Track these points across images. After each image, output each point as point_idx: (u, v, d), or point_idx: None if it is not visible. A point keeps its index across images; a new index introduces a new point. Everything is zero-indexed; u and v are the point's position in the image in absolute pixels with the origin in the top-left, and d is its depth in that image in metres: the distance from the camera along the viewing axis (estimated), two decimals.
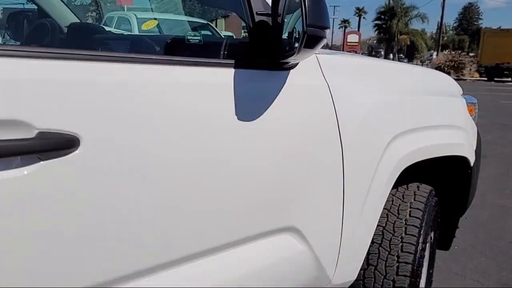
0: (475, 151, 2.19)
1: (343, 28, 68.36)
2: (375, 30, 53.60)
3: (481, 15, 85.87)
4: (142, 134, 0.98)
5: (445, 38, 61.80)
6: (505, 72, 27.73)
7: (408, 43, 46.50)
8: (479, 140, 2.31)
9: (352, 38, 31.67)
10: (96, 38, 1.75)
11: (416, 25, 60.35)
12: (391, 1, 49.20)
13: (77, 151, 0.88)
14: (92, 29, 2.25)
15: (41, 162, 0.84)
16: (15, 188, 0.81)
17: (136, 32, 4.99)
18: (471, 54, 37.80)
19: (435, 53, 39.27)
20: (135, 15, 5.80)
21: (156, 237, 1.04)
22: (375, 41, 56.66)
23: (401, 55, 46.25)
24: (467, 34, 74.18)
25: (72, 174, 0.88)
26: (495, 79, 27.92)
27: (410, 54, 47.46)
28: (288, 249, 1.39)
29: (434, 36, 57.34)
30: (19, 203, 0.82)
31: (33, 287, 0.86)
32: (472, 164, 2.12)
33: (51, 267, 0.89)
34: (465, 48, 55.42)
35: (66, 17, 2.26)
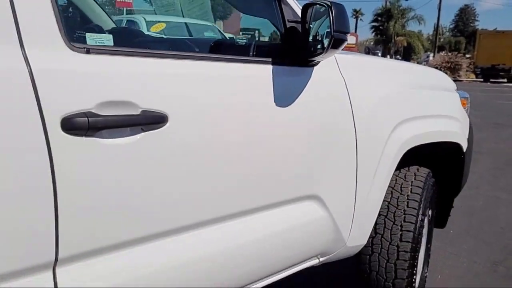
0: (468, 139, 2.50)
1: None
2: (372, 32, 54.05)
3: (477, 17, 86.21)
4: (212, 115, 1.29)
5: (442, 40, 62.20)
6: (500, 73, 28.08)
7: (405, 44, 46.90)
8: (471, 130, 2.62)
9: (349, 40, 31.73)
10: (142, 41, 2.04)
11: (413, 26, 60.85)
12: (388, 3, 49.60)
13: (166, 125, 1.18)
14: (135, 33, 2.55)
15: (143, 133, 1.14)
16: (127, 148, 1.12)
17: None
18: (467, 56, 38.12)
19: (431, 55, 39.67)
20: (144, 18, 6.09)
21: (218, 193, 1.35)
22: (372, 43, 57.01)
23: (398, 56, 46.60)
24: (463, 35, 74.56)
25: (163, 141, 1.18)
26: (491, 80, 28.27)
27: (406, 55, 47.84)
28: (311, 213, 1.69)
29: (430, 38, 57.71)
30: (130, 158, 1.12)
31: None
32: (464, 150, 2.43)
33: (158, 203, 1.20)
34: (461, 50, 55.82)
35: (106, 22, 2.55)
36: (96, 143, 1.06)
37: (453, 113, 2.39)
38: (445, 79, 2.61)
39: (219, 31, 7.89)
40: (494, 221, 3.91)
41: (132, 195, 1.15)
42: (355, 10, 56.63)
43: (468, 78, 29.10)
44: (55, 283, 1.05)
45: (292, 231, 1.65)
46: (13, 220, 0.96)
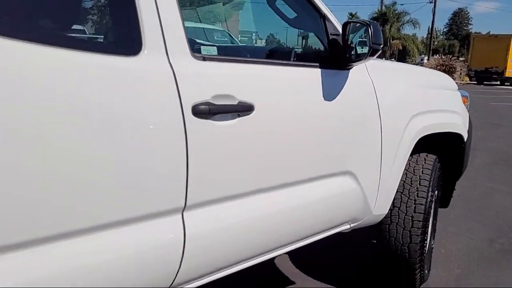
0: (468, 131, 2.95)
1: None
2: None
3: (471, 20, 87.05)
4: (283, 105, 1.74)
5: (436, 43, 62.91)
6: (494, 76, 28.67)
7: (400, 48, 47.47)
8: (470, 124, 3.08)
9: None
10: (231, 49, 2.49)
11: (407, 30, 61.55)
12: (383, 7, 50.21)
13: (254, 112, 1.62)
14: (226, 45, 3.03)
15: (238, 118, 1.58)
16: (230, 128, 1.56)
17: None
18: (461, 59, 38.77)
19: (426, 58, 40.28)
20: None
21: (286, 166, 1.80)
22: None
23: (393, 59, 47.24)
24: (457, 39, 75.39)
25: (251, 124, 1.62)
26: (485, 82, 28.87)
27: (401, 58, 48.45)
28: (347, 186, 2.13)
29: (425, 41, 58.40)
30: (232, 134, 1.57)
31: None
32: (465, 140, 2.89)
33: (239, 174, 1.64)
34: (455, 53, 56.63)
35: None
36: (212, 123, 1.50)
37: (456, 109, 2.85)
38: (448, 80, 3.07)
39: (229, 34, 8.36)
40: (489, 207, 4.38)
41: (233, 158, 1.59)
42: (351, 14, 57.18)
43: (462, 80, 29.66)
44: (183, 225, 1.49)
45: (333, 199, 2.09)
46: (163, 175, 1.40)
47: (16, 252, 1.13)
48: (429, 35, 48.06)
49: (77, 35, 1.71)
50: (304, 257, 3.06)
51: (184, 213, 1.49)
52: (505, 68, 27.56)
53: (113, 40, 1.42)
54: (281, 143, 1.76)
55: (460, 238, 3.55)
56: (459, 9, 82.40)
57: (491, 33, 35.42)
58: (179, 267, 1.49)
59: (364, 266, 3.04)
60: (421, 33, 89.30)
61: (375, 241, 2.70)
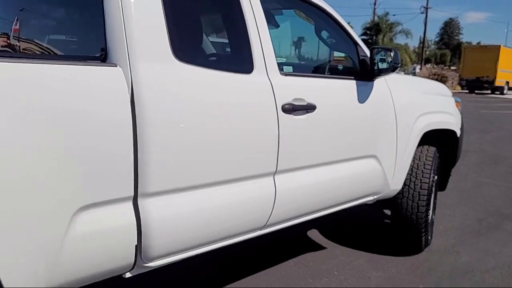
0: (460, 128, 3.75)
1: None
2: None
3: (462, 30, 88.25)
4: (336, 106, 2.53)
5: (428, 52, 63.99)
6: (484, 85, 29.63)
7: None
8: (462, 123, 3.87)
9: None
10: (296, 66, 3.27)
11: (400, 40, 62.65)
12: (376, 18, 51.35)
13: (316, 110, 2.39)
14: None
15: (307, 114, 2.36)
16: (301, 121, 2.32)
17: None
18: (452, 68, 39.80)
19: (418, 67, 41.28)
20: None
21: (337, 148, 2.58)
22: None
23: None
24: (448, 48, 76.30)
25: (315, 118, 2.39)
26: (476, 91, 29.85)
27: None
28: (372, 166, 2.91)
29: (417, 51, 59.43)
30: (304, 126, 2.34)
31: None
32: (458, 136, 3.68)
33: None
34: (447, 62, 57.70)
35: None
36: (292, 117, 2.27)
37: (450, 111, 3.64)
38: (444, 88, 3.88)
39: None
40: (479, 196, 5.18)
41: (305, 140, 2.36)
42: None
43: (454, 89, 30.62)
44: (275, 184, 2.25)
45: (364, 174, 2.87)
46: (265, 149, 2.17)
47: (187, 192, 1.90)
48: (421, 45, 49.27)
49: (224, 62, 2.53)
50: (331, 229, 3.84)
51: (275, 176, 2.26)
52: (495, 77, 28.56)
53: (239, 65, 2.20)
54: (333, 132, 2.55)
55: (455, 219, 4.33)
56: (450, 19, 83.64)
57: (481, 43, 36.50)
58: (271, 212, 2.26)
59: (378, 232, 3.82)
60: (413, 42, 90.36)
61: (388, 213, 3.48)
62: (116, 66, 1.66)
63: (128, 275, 1.85)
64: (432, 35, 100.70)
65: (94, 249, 1.63)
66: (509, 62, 29.54)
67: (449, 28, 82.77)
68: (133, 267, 1.81)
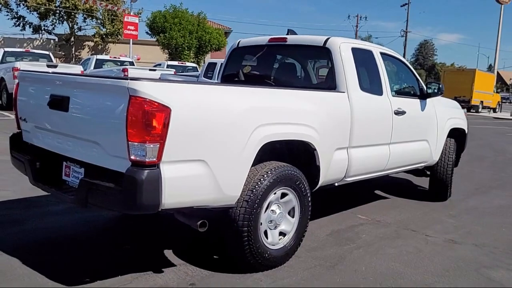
0: (467, 128, 6.27)
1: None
2: None
3: (436, 51, 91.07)
4: (411, 116, 4.98)
5: None
6: (461, 104, 31.92)
7: None
8: (468, 125, 6.38)
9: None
10: None
11: None
12: (359, 39, 54.49)
13: (406, 114, 4.83)
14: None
15: (402, 115, 4.78)
16: (401, 120, 4.76)
17: None
18: None
19: None
20: None
21: (412, 134, 5.03)
22: None
23: None
24: (423, 68, 79.38)
25: (404, 118, 4.83)
26: None
27: None
28: (424, 145, 5.38)
29: None
30: (400, 122, 4.77)
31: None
32: (466, 132, 6.21)
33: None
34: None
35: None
36: (397, 117, 4.68)
37: (462, 117, 6.17)
38: (457, 104, 6.42)
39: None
40: (472, 177, 7.73)
41: (400, 129, 4.80)
42: None
43: None
44: (389, 149, 4.66)
45: (421, 150, 5.32)
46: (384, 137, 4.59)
47: (364, 148, 4.32)
48: None
49: (373, 89, 4.90)
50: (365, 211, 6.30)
51: (390, 145, 4.67)
52: (471, 97, 30.80)
53: (378, 91, 4.61)
54: (412, 125, 4.99)
55: (460, 188, 6.79)
56: (424, 40, 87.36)
57: (455, 63, 38.97)
58: (388, 162, 4.66)
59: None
60: None
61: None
62: (344, 93, 4.06)
63: (336, 184, 4.25)
64: (408, 55, 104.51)
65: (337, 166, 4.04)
66: (483, 84, 31.87)
67: (424, 49, 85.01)
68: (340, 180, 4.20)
